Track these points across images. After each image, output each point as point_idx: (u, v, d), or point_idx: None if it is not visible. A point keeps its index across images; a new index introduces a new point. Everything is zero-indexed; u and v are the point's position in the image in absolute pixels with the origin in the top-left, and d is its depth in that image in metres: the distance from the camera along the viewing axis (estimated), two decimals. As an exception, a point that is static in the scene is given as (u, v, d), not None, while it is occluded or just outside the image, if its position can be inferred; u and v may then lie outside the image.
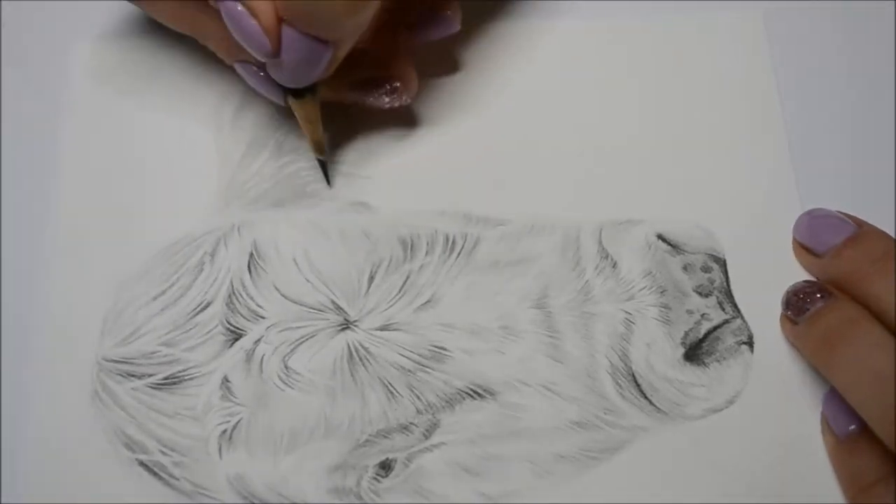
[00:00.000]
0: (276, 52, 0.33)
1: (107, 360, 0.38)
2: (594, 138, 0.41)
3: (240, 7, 0.32)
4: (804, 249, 0.38)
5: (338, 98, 0.39)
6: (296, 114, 0.38)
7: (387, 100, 0.38)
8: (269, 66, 0.35)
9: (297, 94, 0.36)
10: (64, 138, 0.41)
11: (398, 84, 0.38)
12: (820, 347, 0.35)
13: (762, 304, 0.38)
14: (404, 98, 0.38)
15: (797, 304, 0.36)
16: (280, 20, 0.32)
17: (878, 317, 0.34)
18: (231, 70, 0.41)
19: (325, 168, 0.40)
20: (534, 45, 0.42)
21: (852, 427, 0.34)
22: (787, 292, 0.37)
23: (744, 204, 0.39)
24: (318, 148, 0.39)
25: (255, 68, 0.36)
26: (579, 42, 0.42)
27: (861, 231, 0.36)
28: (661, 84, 0.42)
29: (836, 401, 0.35)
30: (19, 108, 0.42)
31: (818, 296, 0.36)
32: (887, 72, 0.41)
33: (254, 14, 0.32)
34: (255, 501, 0.36)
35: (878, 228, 0.36)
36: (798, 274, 0.38)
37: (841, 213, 0.37)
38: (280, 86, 0.36)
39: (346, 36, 0.34)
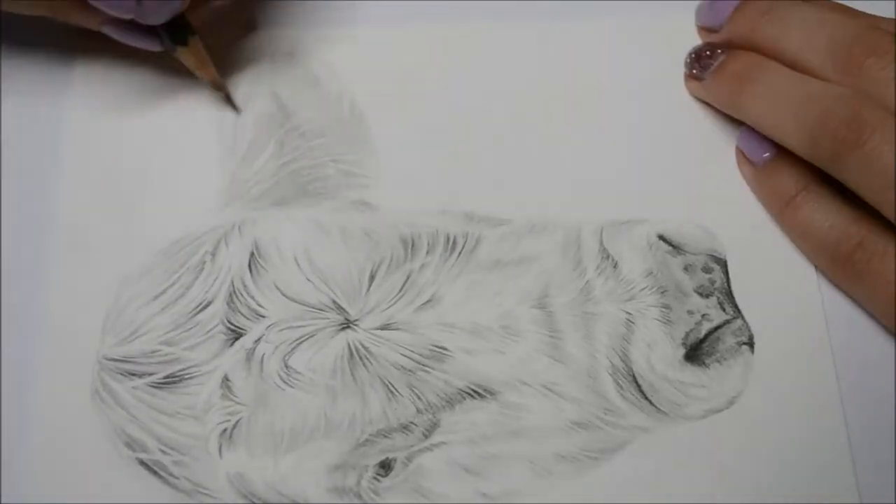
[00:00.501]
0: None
1: (107, 359, 0.38)
2: (596, 138, 0.41)
3: None
4: (705, 31, 0.42)
5: (202, 18, 0.41)
6: (186, 62, 0.40)
7: None
8: (137, 15, 0.37)
9: (180, 41, 0.39)
10: (65, 137, 0.41)
11: None
12: (730, 91, 0.39)
13: (763, 305, 0.38)
14: None
15: (700, 61, 0.40)
16: None
17: (776, 60, 0.38)
18: (231, 69, 0.41)
19: (230, 98, 0.41)
20: (538, 44, 0.42)
21: (767, 154, 0.38)
22: (689, 53, 0.41)
23: (745, 205, 0.39)
24: (218, 85, 0.41)
25: (124, 24, 0.38)
26: (583, 42, 0.42)
27: None
28: (662, 83, 0.42)
29: (750, 134, 0.39)
30: (20, 106, 0.42)
31: (719, 51, 0.40)
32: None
33: None
34: (256, 500, 0.36)
35: None
36: (799, 276, 0.38)
37: None
38: (156, 33, 0.39)
39: None
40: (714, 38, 0.41)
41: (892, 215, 0.34)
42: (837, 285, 0.38)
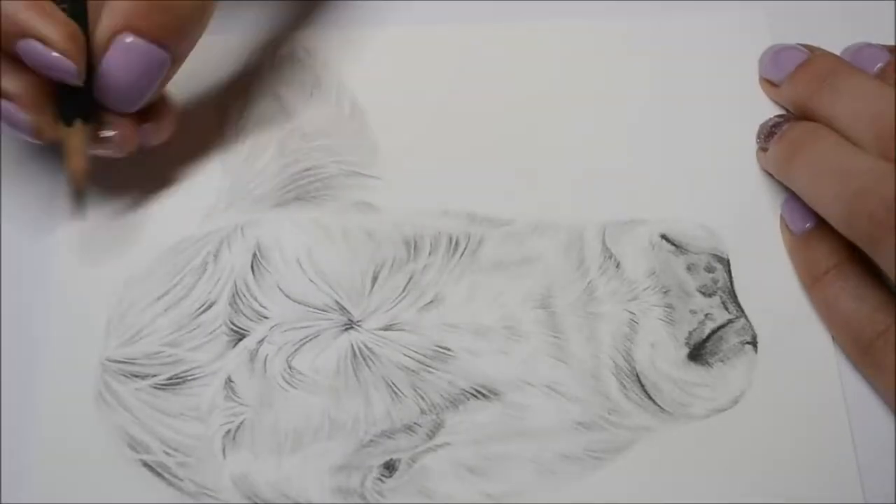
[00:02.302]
0: (82, 74, 0.34)
1: (111, 361, 0.38)
2: (598, 138, 0.41)
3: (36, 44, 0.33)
4: (767, 83, 0.41)
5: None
6: (65, 141, 0.36)
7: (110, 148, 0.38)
8: (97, 89, 0.35)
9: (69, 120, 0.36)
10: None
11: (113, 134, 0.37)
12: (783, 159, 0.38)
13: (766, 304, 0.38)
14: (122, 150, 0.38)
15: (767, 133, 0.39)
16: (114, 31, 0.34)
17: (833, 129, 0.37)
18: (236, 70, 0.41)
19: (83, 198, 0.38)
20: (539, 45, 0.42)
21: (808, 224, 0.38)
22: (760, 127, 0.40)
23: (747, 204, 0.40)
24: (80, 179, 0.37)
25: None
26: (585, 42, 0.43)
27: (812, 55, 0.40)
28: (664, 84, 0.42)
29: (794, 203, 0.38)
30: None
31: (783, 122, 0.39)
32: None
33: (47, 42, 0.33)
34: (259, 501, 0.36)
35: (828, 52, 0.40)
36: None
37: (799, 44, 0.40)
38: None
39: (190, 41, 0.36)
40: (776, 98, 0.41)
41: None
42: (856, 368, 0.37)
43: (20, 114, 0.35)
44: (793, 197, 0.38)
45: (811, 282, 0.38)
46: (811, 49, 0.40)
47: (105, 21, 0.34)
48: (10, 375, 0.38)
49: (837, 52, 0.40)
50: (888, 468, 0.36)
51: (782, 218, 0.39)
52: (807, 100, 0.38)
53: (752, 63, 0.42)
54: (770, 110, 0.41)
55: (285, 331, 0.38)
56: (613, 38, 0.43)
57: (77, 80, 0.34)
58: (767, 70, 0.41)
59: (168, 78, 0.36)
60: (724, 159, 0.40)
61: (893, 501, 0.35)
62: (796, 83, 0.39)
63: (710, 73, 0.42)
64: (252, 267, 0.39)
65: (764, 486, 0.35)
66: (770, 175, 0.40)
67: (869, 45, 0.39)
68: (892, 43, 0.41)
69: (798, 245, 0.38)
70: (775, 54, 0.41)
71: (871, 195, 0.34)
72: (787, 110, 0.40)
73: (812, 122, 0.38)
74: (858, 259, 0.36)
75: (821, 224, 0.37)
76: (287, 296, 0.38)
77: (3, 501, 0.36)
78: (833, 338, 0.37)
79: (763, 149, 0.40)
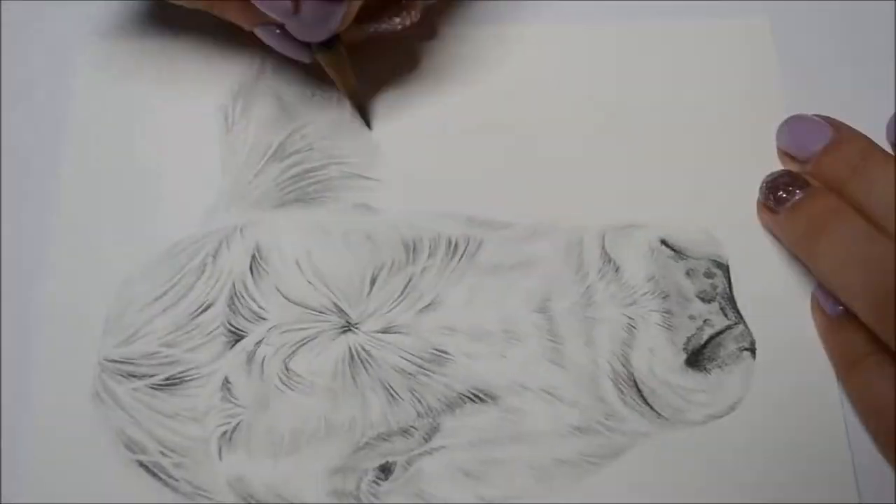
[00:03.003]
0: (297, 10, 0.35)
1: (108, 361, 0.38)
2: (598, 143, 0.41)
3: None
4: (787, 156, 0.40)
5: (356, 38, 0.39)
6: (326, 67, 0.39)
7: (397, 20, 0.39)
8: (289, 25, 0.36)
9: (323, 46, 0.38)
10: (67, 138, 0.42)
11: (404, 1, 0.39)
12: (803, 236, 0.37)
13: (764, 311, 0.38)
14: (413, 15, 0.39)
15: (778, 194, 0.38)
16: None
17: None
18: (236, 71, 0.42)
19: (364, 112, 0.41)
20: (539, 49, 0.43)
21: (842, 307, 0.36)
22: (766, 181, 0.39)
23: (748, 210, 0.40)
24: (353, 95, 0.41)
25: (276, 30, 0.37)
26: (585, 46, 0.43)
27: (839, 136, 0.38)
28: (665, 89, 0.42)
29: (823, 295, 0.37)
30: (23, 106, 0.42)
31: (798, 186, 0.38)
32: (887, 73, 0.42)
33: None
34: (255, 503, 0.36)
35: (855, 130, 0.38)
36: (801, 282, 0.38)
37: (818, 115, 0.39)
38: (303, 42, 0.37)
39: None
40: (795, 167, 0.39)
41: None
42: (889, 460, 0.36)
43: (296, 47, 0.38)
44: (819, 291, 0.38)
45: (846, 367, 0.36)
46: (833, 124, 0.38)
47: None
48: (7, 374, 0.38)
49: (838, 60, 0.40)
50: (885, 475, 0.36)
51: (814, 297, 0.38)
52: (836, 183, 0.37)
53: (756, 69, 0.42)
54: (775, 118, 0.40)
55: (283, 332, 0.38)
56: (614, 42, 0.43)
57: None
58: (789, 144, 0.40)
59: None
60: (724, 165, 0.41)
61: None
62: (823, 167, 0.38)
63: (713, 79, 0.42)
64: (251, 268, 0.39)
65: (761, 492, 0.36)
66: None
67: (806, 119, 0.39)
68: (892, 43, 0.42)
69: (833, 327, 0.37)
70: (792, 127, 0.40)
71: None
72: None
73: (834, 199, 0.37)
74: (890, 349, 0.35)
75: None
76: (285, 297, 0.38)
77: (2, 501, 0.36)
78: (867, 428, 0.36)
79: (769, 208, 0.38)
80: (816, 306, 0.38)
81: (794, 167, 0.39)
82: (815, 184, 0.38)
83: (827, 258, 0.36)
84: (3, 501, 0.36)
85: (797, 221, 0.37)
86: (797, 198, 0.37)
